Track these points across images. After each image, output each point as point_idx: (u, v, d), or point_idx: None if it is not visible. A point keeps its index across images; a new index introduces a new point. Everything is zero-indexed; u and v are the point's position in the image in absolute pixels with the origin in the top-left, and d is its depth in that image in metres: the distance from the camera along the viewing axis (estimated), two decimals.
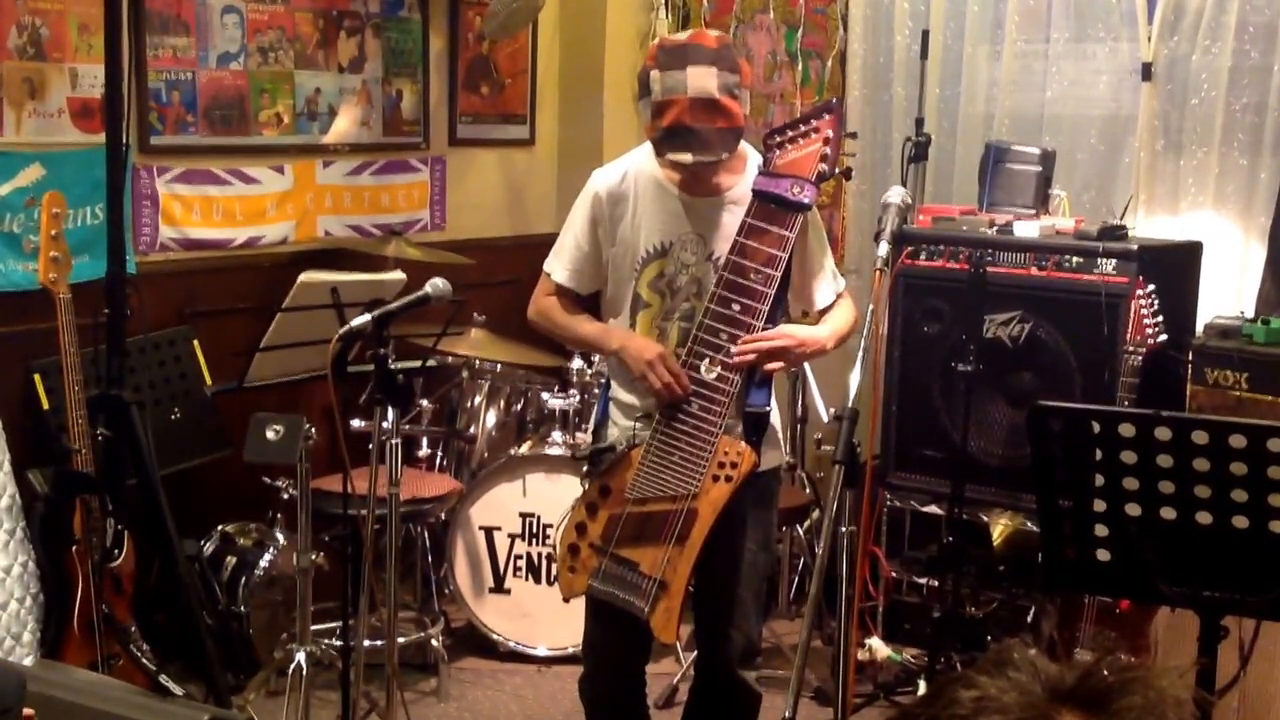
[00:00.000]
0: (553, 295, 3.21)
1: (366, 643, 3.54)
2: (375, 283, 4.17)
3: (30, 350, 3.93)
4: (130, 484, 3.58)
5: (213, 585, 4.13)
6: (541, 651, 4.46)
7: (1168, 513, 2.58)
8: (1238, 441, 2.48)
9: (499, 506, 4.45)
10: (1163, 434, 2.53)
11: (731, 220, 2.99)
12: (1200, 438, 2.50)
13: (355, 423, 4.03)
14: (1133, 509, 2.61)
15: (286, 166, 4.77)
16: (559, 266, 3.18)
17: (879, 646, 4.22)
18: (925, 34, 4.71)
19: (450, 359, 4.63)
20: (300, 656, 3.64)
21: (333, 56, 4.86)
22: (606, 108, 5.51)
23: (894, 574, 4.46)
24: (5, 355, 3.98)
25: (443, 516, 4.50)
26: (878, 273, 2.76)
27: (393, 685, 3.37)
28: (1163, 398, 3.59)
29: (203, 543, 4.23)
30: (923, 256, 4.21)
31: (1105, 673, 1.14)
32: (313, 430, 3.56)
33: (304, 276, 4.08)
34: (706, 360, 2.94)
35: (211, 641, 3.71)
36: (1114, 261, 3.90)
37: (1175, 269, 4.07)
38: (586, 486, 3.10)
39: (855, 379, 2.62)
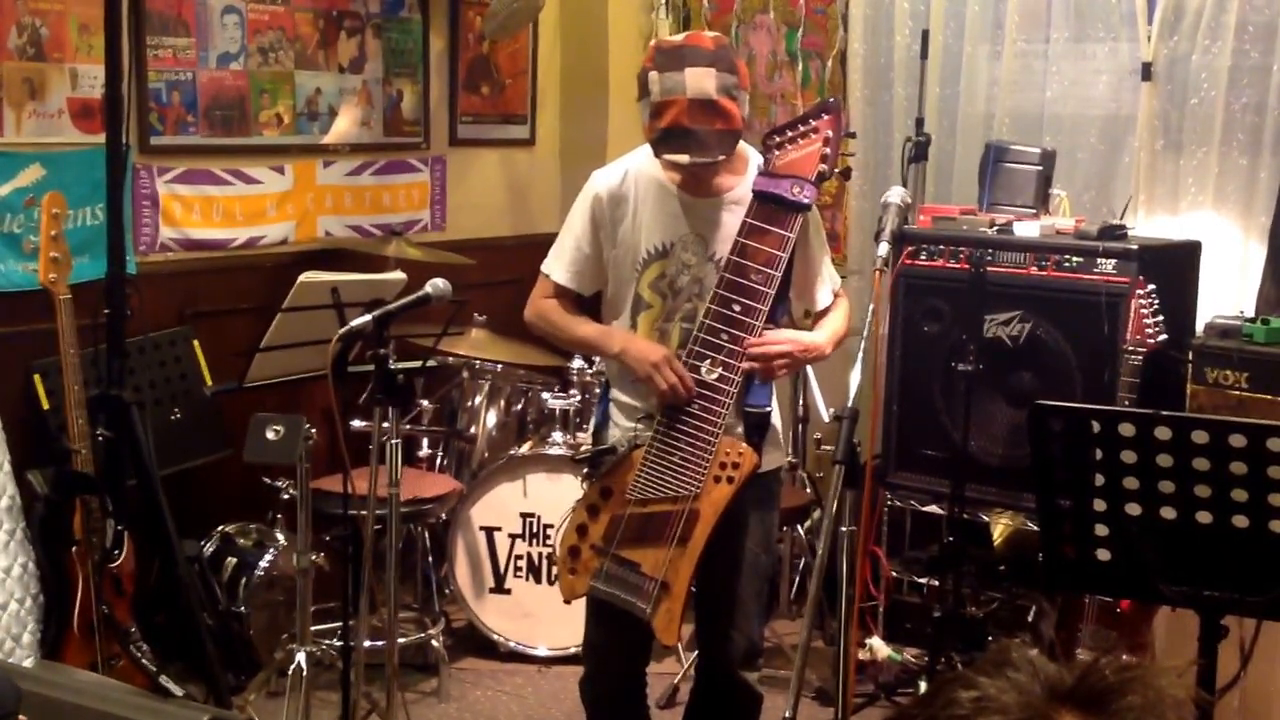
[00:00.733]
0: (552, 297, 3.19)
1: (367, 643, 3.54)
2: (375, 283, 4.16)
3: (30, 350, 3.93)
4: (130, 484, 3.58)
5: (213, 586, 4.13)
6: (542, 652, 4.46)
7: (1168, 512, 2.58)
8: (1238, 441, 2.48)
9: (499, 507, 4.45)
10: (1163, 433, 2.53)
11: (732, 221, 2.99)
12: (1200, 437, 2.50)
13: (355, 423, 4.03)
14: (1133, 508, 2.61)
15: (287, 167, 4.77)
16: (559, 268, 3.17)
17: (879, 646, 4.21)
18: (925, 34, 4.71)
19: (451, 359, 4.63)
20: (300, 657, 3.64)
21: (333, 57, 4.86)
22: (607, 108, 5.51)
23: (894, 574, 4.46)
24: (5, 355, 3.98)
25: (443, 517, 4.50)
26: (878, 273, 2.76)
27: (393, 686, 3.37)
28: (1163, 397, 3.59)
29: (203, 543, 4.23)
30: (923, 256, 4.21)
31: (1105, 673, 1.14)
32: (313, 430, 3.56)
33: (304, 277, 4.07)
34: (708, 361, 2.94)
35: (212, 642, 3.71)
36: (1114, 261, 3.90)
37: (1175, 269, 4.07)
38: (587, 488, 3.10)
39: (855, 379, 2.62)
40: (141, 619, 3.69)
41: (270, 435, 3.50)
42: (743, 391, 2.97)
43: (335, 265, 4.55)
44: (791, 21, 5.28)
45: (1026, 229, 4.14)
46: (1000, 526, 4.23)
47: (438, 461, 4.75)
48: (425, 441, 4.72)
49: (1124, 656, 1.19)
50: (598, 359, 4.38)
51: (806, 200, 2.91)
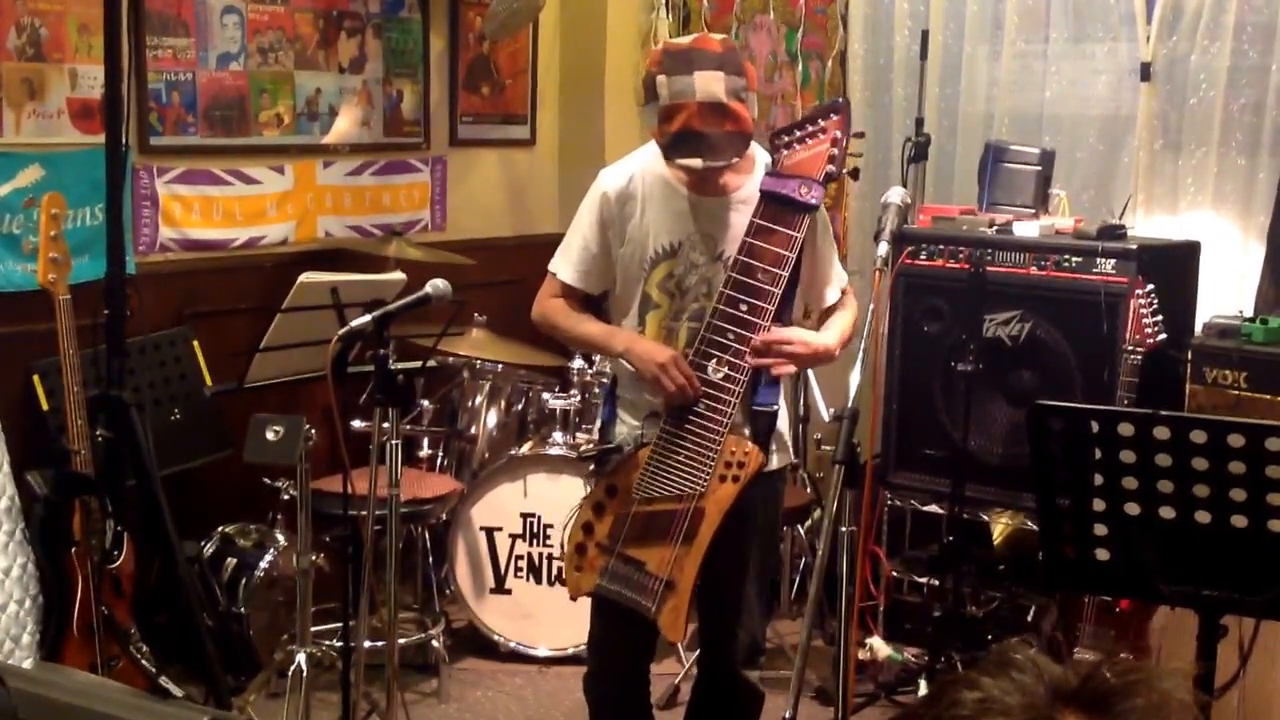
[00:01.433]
0: (559, 296, 3.19)
1: (367, 644, 3.54)
2: (375, 283, 4.16)
3: (30, 351, 3.93)
4: (130, 485, 3.58)
5: (213, 586, 4.12)
6: (542, 652, 4.46)
7: (1167, 512, 2.58)
8: (1236, 441, 2.48)
9: (500, 507, 4.45)
10: (1162, 433, 2.53)
11: (740, 220, 2.98)
12: (1199, 437, 2.50)
13: (355, 423, 4.03)
14: (1132, 508, 2.61)
15: (287, 167, 4.77)
16: (566, 267, 3.17)
17: (880, 646, 4.21)
18: (925, 34, 4.71)
19: (451, 359, 4.63)
20: (300, 658, 3.64)
21: (333, 57, 4.86)
22: (607, 107, 5.51)
23: (894, 573, 4.47)
24: (5, 356, 3.98)
25: (443, 517, 4.50)
26: (878, 272, 2.76)
27: (393, 686, 3.37)
28: (1162, 397, 3.59)
29: (203, 544, 4.23)
30: (923, 256, 4.21)
31: (1108, 674, 1.13)
32: (313, 431, 3.56)
33: (304, 277, 4.07)
34: (714, 361, 2.94)
35: (211, 643, 3.71)
36: (1113, 261, 3.90)
37: (1174, 269, 4.07)
38: (593, 486, 3.10)
39: (855, 379, 2.62)
40: (141, 620, 3.69)
41: (270, 436, 3.49)
42: (750, 391, 2.97)
43: (335, 265, 4.55)
44: (791, 22, 5.28)
45: (1026, 229, 4.14)
46: (1000, 526, 4.24)
47: (438, 462, 4.74)
48: (425, 442, 4.71)
49: (1127, 657, 1.19)
50: (598, 358, 4.39)
51: (814, 201, 2.91)
